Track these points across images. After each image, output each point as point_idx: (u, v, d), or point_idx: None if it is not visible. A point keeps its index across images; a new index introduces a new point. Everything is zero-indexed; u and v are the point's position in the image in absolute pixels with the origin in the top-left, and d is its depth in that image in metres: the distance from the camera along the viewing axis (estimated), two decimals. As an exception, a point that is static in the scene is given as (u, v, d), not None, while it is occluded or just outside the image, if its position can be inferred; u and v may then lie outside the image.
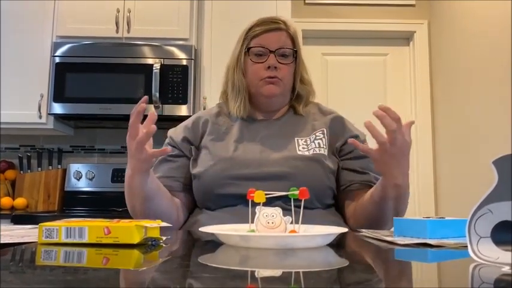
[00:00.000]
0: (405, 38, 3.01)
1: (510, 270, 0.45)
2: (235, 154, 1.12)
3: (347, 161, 1.16)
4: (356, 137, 1.14)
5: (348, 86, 2.92)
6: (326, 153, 1.13)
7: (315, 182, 1.07)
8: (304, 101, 1.23)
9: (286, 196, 0.76)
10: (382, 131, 0.92)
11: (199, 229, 0.73)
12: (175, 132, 1.22)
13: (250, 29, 1.19)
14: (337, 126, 1.19)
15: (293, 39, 1.20)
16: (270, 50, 1.15)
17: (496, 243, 0.49)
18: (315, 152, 1.12)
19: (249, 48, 1.18)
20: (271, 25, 1.17)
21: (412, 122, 0.95)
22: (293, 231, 0.71)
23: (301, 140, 1.15)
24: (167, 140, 1.22)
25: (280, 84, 1.16)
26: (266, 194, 0.72)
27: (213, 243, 0.73)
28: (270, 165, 1.09)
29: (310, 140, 1.15)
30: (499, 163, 0.49)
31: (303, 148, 1.13)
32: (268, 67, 1.15)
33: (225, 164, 1.10)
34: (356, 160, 1.15)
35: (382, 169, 0.98)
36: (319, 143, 1.15)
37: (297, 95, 1.23)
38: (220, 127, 1.19)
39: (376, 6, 2.96)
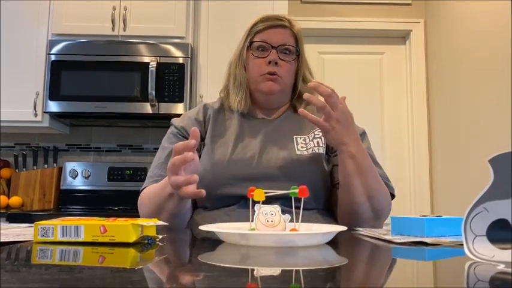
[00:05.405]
0: (401, 37, 3.02)
1: (506, 269, 0.46)
2: (234, 153, 1.11)
3: (336, 157, 1.12)
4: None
5: (345, 84, 2.91)
6: (324, 151, 1.13)
7: (312, 182, 1.05)
8: (305, 101, 1.19)
9: (285, 196, 0.75)
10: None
11: (200, 227, 0.73)
12: (185, 123, 1.19)
13: (254, 24, 1.20)
14: None
15: (297, 38, 1.20)
16: (272, 45, 1.16)
17: (491, 242, 0.49)
18: (313, 151, 1.12)
19: (251, 43, 1.19)
20: (276, 22, 1.18)
21: (344, 98, 1.01)
22: (294, 229, 0.71)
23: (300, 138, 1.15)
24: (174, 130, 1.19)
25: (280, 81, 1.16)
26: (266, 193, 0.72)
27: (210, 242, 0.73)
28: (269, 166, 1.09)
29: (309, 138, 1.15)
30: (495, 161, 0.49)
31: (302, 147, 1.13)
32: (269, 62, 1.15)
33: (224, 164, 1.09)
34: None
35: (333, 139, 1.00)
36: (318, 142, 1.14)
37: (299, 95, 1.22)
38: (221, 123, 1.19)
39: (372, 4, 2.97)
